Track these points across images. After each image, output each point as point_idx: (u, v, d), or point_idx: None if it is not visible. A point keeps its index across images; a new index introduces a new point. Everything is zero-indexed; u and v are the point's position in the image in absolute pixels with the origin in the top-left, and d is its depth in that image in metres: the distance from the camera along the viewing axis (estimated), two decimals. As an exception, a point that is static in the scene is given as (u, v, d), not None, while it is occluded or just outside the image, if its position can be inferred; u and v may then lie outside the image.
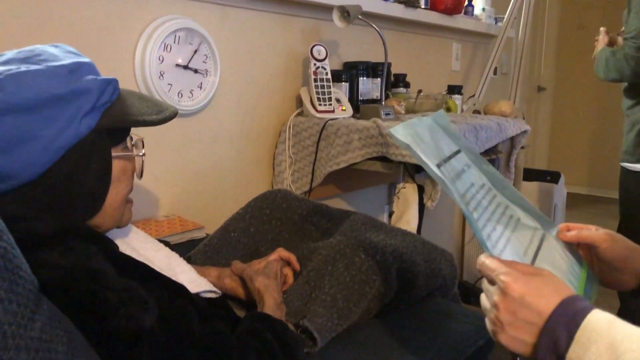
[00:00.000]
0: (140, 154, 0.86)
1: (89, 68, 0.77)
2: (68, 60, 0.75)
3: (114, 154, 0.80)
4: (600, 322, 0.55)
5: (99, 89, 0.75)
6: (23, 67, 0.71)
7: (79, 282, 0.65)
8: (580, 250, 0.81)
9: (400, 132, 0.70)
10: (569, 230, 0.81)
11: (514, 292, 0.60)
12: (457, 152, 0.78)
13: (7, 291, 0.54)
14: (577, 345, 0.55)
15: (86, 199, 0.77)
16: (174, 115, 0.81)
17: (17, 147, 0.69)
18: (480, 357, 1.05)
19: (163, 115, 0.80)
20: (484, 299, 0.64)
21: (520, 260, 0.69)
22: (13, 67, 0.71)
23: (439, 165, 0.70)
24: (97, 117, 0.75)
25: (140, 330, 0.65)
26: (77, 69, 0.75)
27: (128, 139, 0.84)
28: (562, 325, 0.56)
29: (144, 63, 1.41)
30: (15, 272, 0.56)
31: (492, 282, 0.63)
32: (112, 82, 0.78)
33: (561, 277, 0.72)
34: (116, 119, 0.77)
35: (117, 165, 0.80)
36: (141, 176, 0.88)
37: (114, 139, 0.80)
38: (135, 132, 0.85)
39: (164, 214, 1.52)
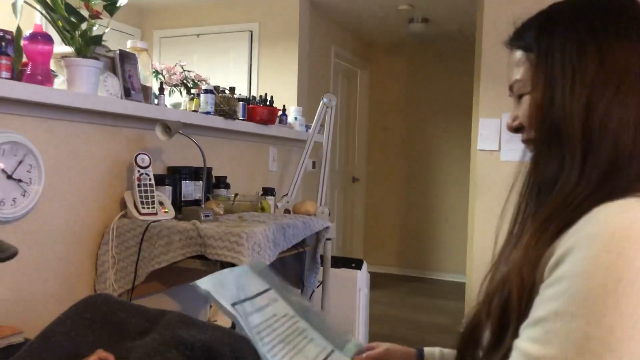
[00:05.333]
0: None
1: None
2: None
3: None
4: None
5: None
6: None
7: None
8: None
9: (203, 282, 0.90)
10: (362, 352, 1.05)
11: None
12: (267, 290, 1.01)
13: None
14: None
15: None
16: (14, 254, 0.95)
17: None
18: None
19: (3, 255, 0.93)
20: None
21: None
22: None
23: (234, 304, 0.91)
24: None
25: None
26: None
27: None
28: None
29: (-34, 175, 1.48)
30: None
31: None
32: None
33: None
34: None
35: None
36: None
37: None
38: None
39: (-21, 321, 1.53)
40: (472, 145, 3.96)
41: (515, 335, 0.69)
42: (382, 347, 1.05)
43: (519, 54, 0.81)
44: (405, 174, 5.85)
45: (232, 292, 0.93)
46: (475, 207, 3.85)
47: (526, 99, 0.81)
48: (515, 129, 0.83)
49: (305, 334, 1.01)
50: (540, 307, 0.66)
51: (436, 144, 5.72)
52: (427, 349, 1.05)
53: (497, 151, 3.79)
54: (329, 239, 2.60)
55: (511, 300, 0.72)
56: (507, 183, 0.84)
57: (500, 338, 0.73)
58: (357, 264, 2.94)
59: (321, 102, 2.82)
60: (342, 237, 5.55)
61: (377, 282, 4.65)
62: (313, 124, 2.83)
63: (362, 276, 2.91)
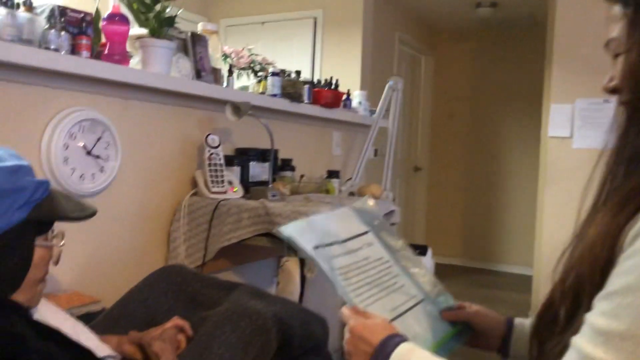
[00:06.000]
0: (60, 244, 1.00)
1: (26, 170, 0.94)
2: (10, 162, 0.91)
3: (36, 242, 0.95)
4: (404, 349, 0.80)
5: (33, 189, 0.91)
6: None
7: (5, 345, 0.79)
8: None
9: (288, 228, 0.93)
10: (452, 309, 1.06)
11: (355, 331, 0.85)
12: (364, 232, 1.04)
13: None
14: None
15: (7, 278, 0.90)
16: (93, 213, 0.99)
17: None
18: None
19: (84, 214, 0.98)
20: (345, 336, 0.88)
21: (385, 312, 0.93)
22: None
23: (316, 247, 0.93)
24: (28, 210, 0.91)
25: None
26: (17, 170, 0.91)
27: (50, 230, 0.99)
28: (383, 353, 0.81)
29: (50, 150, 1.55)
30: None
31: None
32: (44, 184, 0.94)
33: (421, 329, 0.97)
34: (44, 213, 0.93)
35: (37, 253, 0.95)
36: (57, 263, 1.02)
37: (39, 229, 0.95)
38: (59, 226, 1.00)
39: (62, 289, 1.60)
40: (542, 132, 3.82)
41: (588, 310, 0.66)
42: (473, 308, 1.05)
43: (616, 8, 0.76)
44: (469, 163, 5.71)
45: (317, 236, 0.95)
46: (545, 196, 3.71)
47: (621, 59, 0.76)
48: (612, 91, 0.79)
49: (397, 279, 1.02)
50: (614, 280, 0.64)
51: (502, 131, 5.55)
52: (517, 319, 1.03)
53: (569, 138, 3.64)
54: (394, 224, 2.57)
55: (584, 279, 0.70)
56: (580, 171, 0.80)
57: (574, 315, 0.71)
58: (422, 250, 2.89)
59: (387, 85, 2.79)
60: (404, 227, 5.48)
61: (440, 272, 4.54)
62: (379, 107, 2.81)
63: (427, 262, 2.86)
